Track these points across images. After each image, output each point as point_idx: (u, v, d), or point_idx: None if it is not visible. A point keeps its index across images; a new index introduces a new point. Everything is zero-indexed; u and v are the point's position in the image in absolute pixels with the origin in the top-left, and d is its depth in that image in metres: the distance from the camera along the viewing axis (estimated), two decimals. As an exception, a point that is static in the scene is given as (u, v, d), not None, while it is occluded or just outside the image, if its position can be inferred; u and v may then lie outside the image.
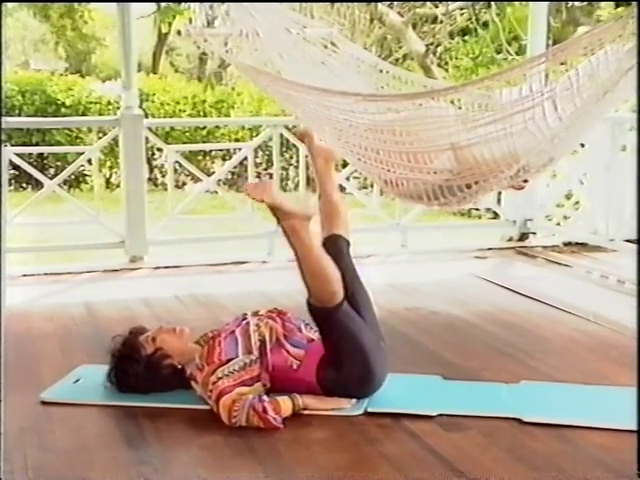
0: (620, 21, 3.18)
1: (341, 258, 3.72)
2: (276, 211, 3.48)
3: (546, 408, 3.56)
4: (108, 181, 13.21)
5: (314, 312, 3.53)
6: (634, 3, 3.17)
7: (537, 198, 7.28)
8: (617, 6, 12.47)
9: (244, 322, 3.69)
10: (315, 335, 3.70)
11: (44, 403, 3.62)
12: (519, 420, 3.38)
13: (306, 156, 7.09)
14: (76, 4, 18.11)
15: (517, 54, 13.27)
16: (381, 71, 4.27)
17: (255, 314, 3.78)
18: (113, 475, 2.99)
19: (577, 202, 7.50)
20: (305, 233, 3.47)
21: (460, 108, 3.73)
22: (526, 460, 3.09)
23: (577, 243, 7.15)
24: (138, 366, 3.61)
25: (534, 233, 7.40)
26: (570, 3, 13.82)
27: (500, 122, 3.44)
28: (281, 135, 7.08)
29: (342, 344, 3.50)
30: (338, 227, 3.92)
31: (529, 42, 7.33)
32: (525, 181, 3.69)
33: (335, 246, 3.80)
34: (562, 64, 3.40)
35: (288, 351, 3.59)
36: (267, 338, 3.60)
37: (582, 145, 6.85)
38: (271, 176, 9.42)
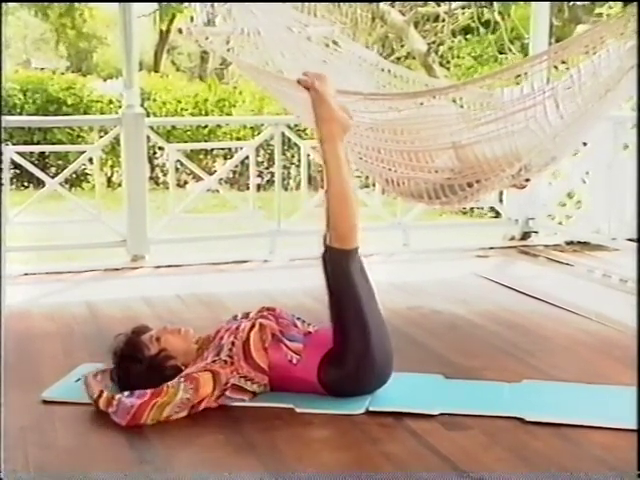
0: (621, 19, 3.18)
1: None
2: (321, 106, 3.40)
3: (548, 407, 3.55)
4: (109, 180, 13.20)
5: (330, 255, 3.48)
6: (634, 3, 3.17)
7: (539, 197, 7.26)
8: (626, 4, 12.45)
9: (232, 326, 3.70)
10: (311, 328, 3.70)
11: (45, 402, 3.61)
12: (521, 419, 3.37)
13: (308, 155, 7.09)
14: (76, 3, 18.10)
15: (519, 53, 13.26)
16: (383, 70, 4.27)
17: (246, 315, 3.79)
18: (114, 474, 2.98)
19: (579, 201, 7.49)
20: (341, 144, 3.40)
21: (462, 107, 3.73)
22: (528, 459, 3.07)
23: (579, 242, 7.14)
24: (141, 366, 3.59)
25: (536, 232, 7.39)
26: (572, 2, 13.80)
27: (502, 120, 3.44)
28: (283, 134, 7.06)
29: (347, 308, 3.48)
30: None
31: (531, 41, 7.30)
32: (527, 180, 3.69)
33: None
34: (563, 62, 3.40)
35: (287, 345, 3.58)
36: (251, 340, 3.58)
37: (584, 144, 6.83)
38: (272, 175, 9.39)
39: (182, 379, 3.46)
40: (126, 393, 3.45)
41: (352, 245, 3.48)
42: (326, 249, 3.50)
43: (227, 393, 3.49)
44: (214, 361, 3.53)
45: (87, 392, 3.54)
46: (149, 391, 3.42)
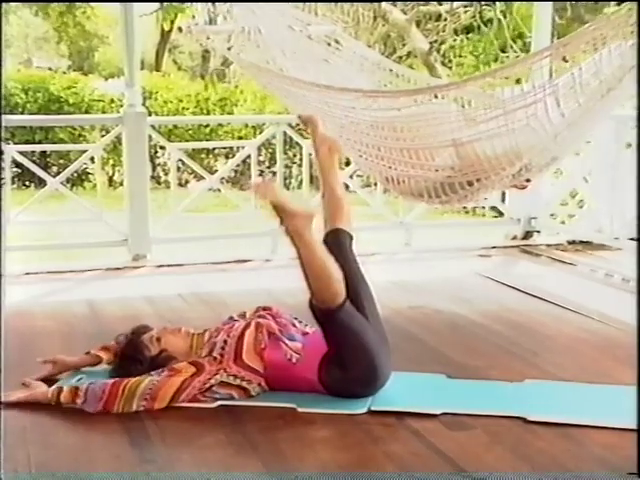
0: (623, 16, 3.16)
1: (343, 252, 3.71)
2: (279, 211, 3.43)
3: (551, 407, 3.54)
4: (111, 179, 13.20)
5: (316, 313, 3.50)
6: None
7: (541, 196, 7.23)
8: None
9: (227, 326, 3.71)
10: (309, 329, 3.71)
11: None
12: (523, 419, 3.36)
13: (310, 154, 7.08)
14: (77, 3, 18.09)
15: (522, 51, 13.22)
16: (384, 69, 4.26)
17: (242, 315, 3.80)
18: (116, 474, 2.98)
19: (581, 200, 7.47)
20: (308, 234, 3.43)
21: (462, 105, 3.72)
22: (530, 459, 3.07)
23: (581, 241, 7.13)
24: (142, 367, 3.60)
25: (538, 231, 7.37)
26: (574, 1, 13.76)
27: (502, 118, 3.44)
28: (284, 133, 7.06)
29: (346, 344, 3.49)
30: (341, 221, 3.88)
31: (534, 40, 7.26)
32: (528, 180, 3.68)
33: (337, 240, 3.79)
34: (565, 61, 3.38)
35: (286, 344, 3.58)
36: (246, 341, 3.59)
37: (587, 142, 6.81)
38: (274, 174, 9.39)
39: (162, 369, 3.52)
40: (91, 380, 3.52)
41: (336, 303, 3.47)
42: (311, 304, 3.51)
43: (214, 388, 3.49)
44: (203, 357, 3.56)
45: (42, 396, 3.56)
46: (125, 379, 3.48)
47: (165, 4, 13.42)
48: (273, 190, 3.44)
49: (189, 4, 11.42)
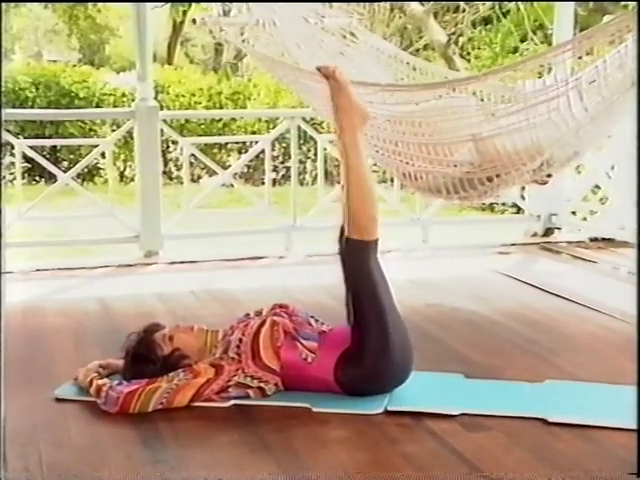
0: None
1: None
2: (340, 95, 3.39)
3: (571, 408, 3.50)
4: (122, 174, 13.17)
5: (349, 246, 3.45)
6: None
7: (562, 192, 7.15)
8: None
9: (241, 324, 3.67)
10: (325, 327, 3.66)
11: (58, 400, 3.60)
12: (543, 420, 3.33)
13: (324, 149, 7.03)
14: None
15: (542, 43, 13.13)
16: (401, 62, 4.22)
17: (258, 313, 3.75)
18: (128, 473, 2.97)
19: (604, 196, 7.38)
20: (361, 134, 3.39)
21: (482, 99, 3.67)
22: (550, 461, 3.03)
23: (604, 239, 7.04)
24: (154, 367, 3.57)
25: (559, 228, 7.31)
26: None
27: (523, 112, 3.39)
28: (299, 127, 7.03)
29: (366, 295, 3.46)
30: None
31: (555, 31, 7.21)
32: (548, 176, 3.63)
33: None
34: (588, 54, 3.33)
35: (302, 343, 3.54)
36: (262, 338, 3.55)
37: (609, 137, 6.71)
38: (288, 170, 9.35)
39: (182, 370, 3.50)
40: (116, 381, 3.52)
41: (372, 237, 3.45)
42: (345, 241, 3.46)
43: (230, 389, 3.47)
44: (221, 357, 3.53)
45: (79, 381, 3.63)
46: (144, 381, 3.46)
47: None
48: (343, 72, 3.39)
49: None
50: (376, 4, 14.89)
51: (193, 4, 11.68)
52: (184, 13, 10.85)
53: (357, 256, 3.46)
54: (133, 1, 6.33)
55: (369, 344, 3.45)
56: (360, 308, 3.48)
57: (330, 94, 3.47)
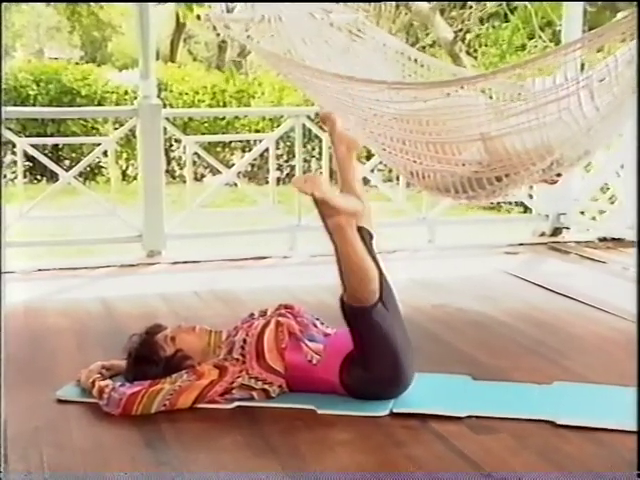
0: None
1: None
2: (323, 206, 3.41)
3: (580, 410, 3.48)
4: (125, 173, 13.13)
5: (349, 312, 3.45)
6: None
7: (571, 191, 7.12)
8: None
9: (245, 324, 3.66)
10: (330, 330, 3.65)
11: (60, 401, 3.59)
12: (552, 422, 3.31)
13: (329, 147, 7.00)
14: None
15: (550, 41, 13.10)
16: (408, 58, 4.19)
17: (263, 313, 3.73)
18: (130, 475, 2.96)
19: (613, 195, 7.36)
20: (350, 231, 3.40)
21: (491, 97, 3.64)
22: (559, 464, 3.01)
23: (613, 238, 7.01)
24: (157, 368, 3.55)
25: (567, 228, 7.29)
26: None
27: (533, 112, 3.36)
28: (303, 126, 7.02)
29: (374, 344, 3.44)
30: (361, 219, 3.81)
31: (564, 28, 7.22)
32: (558, 175, 3.60)
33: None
34: (599, 51, 3.29)
35: (307, 345, 3.53)
36: (266, 339, 3.54)
37: (619, 135, 6.67)
38: (293, 168, 9.34)
39: (185, 372, 3.49)
40: (119, 383, 3.52)
41: (370, 302, 3.43)
42: (342, 302, 3.46)
43: (234, 391, 3.46)
44: (225, 358, 3.51)
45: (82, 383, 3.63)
46: (147, 382, 3.46)
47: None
48: (319, 185, 3.38)
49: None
50: (381, -1, 14.86)
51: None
52: (188, 10, 10.79)
53: (356, 318, 3.45)
54: (134, 1, 6.30)
55: (379, 369, 3.45)
56: (366, 348, 3.46)
57: (314, 204, 3.47)
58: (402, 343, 3.48)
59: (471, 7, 14.95)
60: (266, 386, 3.47)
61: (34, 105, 13.26)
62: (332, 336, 3.61)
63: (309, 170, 12.31)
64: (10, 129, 7.09)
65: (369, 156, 6.93)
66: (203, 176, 12.69)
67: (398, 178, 6.90)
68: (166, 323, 3.78)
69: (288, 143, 12.28)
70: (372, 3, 14.36)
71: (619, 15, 11.85)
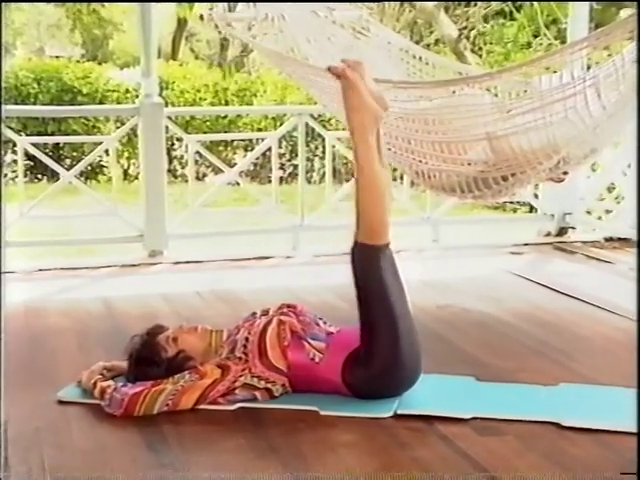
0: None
1: None
2: (351, 94, 3.32)
3: (586, 412, 3.45)
4: (126, 172, 13.12)
5: (359, 253, 3.40)
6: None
7: (577, 191, 7.09)
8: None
9: (247, 323, 3.64)
10: (333, 329, 3.62)
11: (61, 402, 3.57)
12: (558, 424, 3.28)
13: (333, 146, 6.99)
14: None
15: (556, 39, 13.07)
16: (413, 56, 4.18)
17: (265, 313, 3.70)
18: (132, 477, 2.95)
19: (619, 195, 7.32)
20: (372, 134, 3.32)
21: (496, 96, 3.64)
22: (565, 466, 2.99)
23: (619, 238, 6.97)
24: (159, 369, 3.53)
25: (573, 228, 7.25)
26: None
27: (539, 111, 3.36)
28: (306, 124, 6.99)
29: (375, 304, 3.40)
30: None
31: (569, 26, 7.19)
32: (565, 173, 3.59)
33: None
34: (606, 49, 3.28)
35: (309, 343, 3.50)
36: (268, 338, 3.51)
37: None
38: (295, 167, 9.30)
39: (188, 372, 3.47)
40: (120, 383, 3.50)
41: (382, 241, 3.39)
42: (355, 245, 3.40)
43: (237, 391, 3.44)
44: (227, 357, 3.50)
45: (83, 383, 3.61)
46: (149, 383, 3.44)
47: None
48: (357, 69, 3.32)
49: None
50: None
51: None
52: (189, 8, 10.75)
53: (367, 260, 3.40)
54: (135, 1, 6.29)
55: (378, 346, 3.41)
56: (370, 310, 3.42)
57: (341, 93, 3.40)
58: (404, 323, 3.42)
59: (475, 5, 14.91)
60: (269, 385, 3.45)
61: (35, 104, 13.28)
62: (335, 335, 3.58)
63: (312, 169, 12.30)
64: (11, 128, 7.09)
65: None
66: (205, 175, 12.68)
67: (402, 177, 6.87)
68: (168, 323, 3.77)
69: (291, 142, 12.29)
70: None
71: (622, 13, 11.84)
